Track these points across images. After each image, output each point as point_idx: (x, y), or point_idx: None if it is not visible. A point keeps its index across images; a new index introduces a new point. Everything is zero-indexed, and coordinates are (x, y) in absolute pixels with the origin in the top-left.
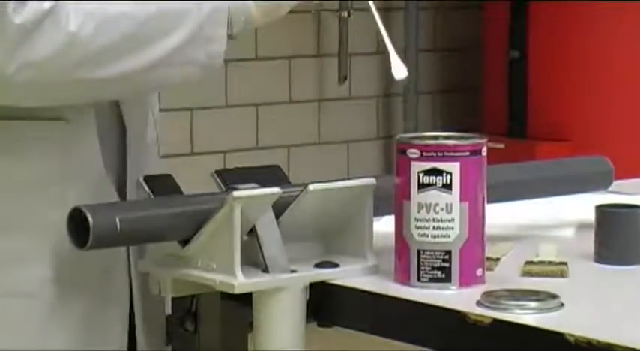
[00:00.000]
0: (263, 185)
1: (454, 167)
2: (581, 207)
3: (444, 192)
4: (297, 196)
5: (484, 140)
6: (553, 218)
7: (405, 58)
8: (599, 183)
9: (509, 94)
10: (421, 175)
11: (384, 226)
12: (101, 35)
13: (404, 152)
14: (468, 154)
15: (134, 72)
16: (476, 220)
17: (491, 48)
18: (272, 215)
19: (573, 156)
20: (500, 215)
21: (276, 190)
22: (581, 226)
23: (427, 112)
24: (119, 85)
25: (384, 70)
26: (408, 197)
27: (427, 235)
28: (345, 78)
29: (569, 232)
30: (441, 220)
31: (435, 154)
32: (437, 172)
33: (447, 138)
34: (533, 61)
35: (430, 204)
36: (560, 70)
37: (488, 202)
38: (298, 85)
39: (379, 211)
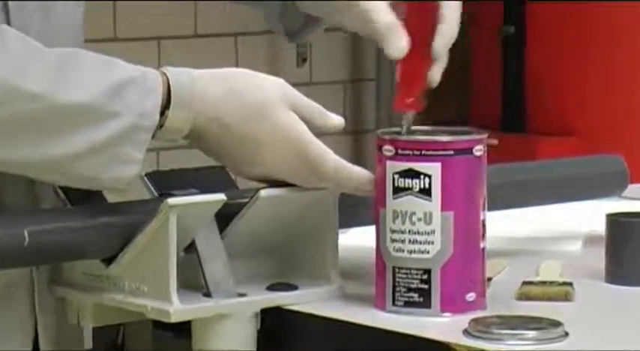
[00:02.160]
0: (204, 191)
1: (434, 168)
2: (590, 216)
3: (422, 198)
4: (246, 203)
5: (479, 136)
6: (556, 230)
7: None
8: (612, 187)
9: (504, 79)
10: (396, 177)
11: (352, 239)
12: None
13: (380, 149)
14: (451, 152)
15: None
16: (464, 234)
17: (481, 22)
18: (215, 227)
19: (581, 154)
20: (492, 226)
21: (220, 196)
22: (589, 240)
23: None
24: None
25: (352, 49)
26: (384, 204)
27: (403, 250)
28: (305, 60)
29: (575, 247)
30: (418, 232)
31: (410, 153)
32: (413, 174)
33: (431, 132)
34: (532, 38)
35: (406, 212)
36: (566, 50)
37: None
38: (247, 67)
39: (346, 222)
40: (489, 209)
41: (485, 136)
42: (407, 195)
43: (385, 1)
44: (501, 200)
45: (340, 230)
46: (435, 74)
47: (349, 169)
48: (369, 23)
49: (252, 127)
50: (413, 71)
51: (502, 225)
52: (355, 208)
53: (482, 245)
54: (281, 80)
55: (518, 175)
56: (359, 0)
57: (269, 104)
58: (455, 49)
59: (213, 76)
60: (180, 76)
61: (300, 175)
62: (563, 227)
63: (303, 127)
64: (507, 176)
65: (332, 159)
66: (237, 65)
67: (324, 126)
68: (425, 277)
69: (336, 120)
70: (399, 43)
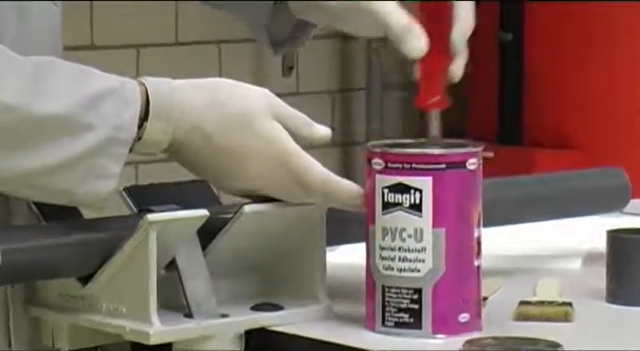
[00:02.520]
0: (186, 206)
1: (424, 183)
2: (591, 232)
3: (412, 214)
4: (230, 219)
5: (472, 149)
6: (554, 247)
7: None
8: (613, 202)
9: (500, 88)
10: (385, 191)
11: (340, 257)
12: None
13: (370, 162)
14: (443, 166)
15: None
16: (457, 251)
17: (477, 28)
18: (197, 244)
19: (580, 167)
20: (486, 243)
21: (202, 212)
22: (589, 257)
23: (395, 111)
24: None
25: (341, 58)
26: (373, 219)
27: (392, 269)
28: (292, 68)
29: (574, 265)
30: (409, 250)
31: (400, 166)
32: (403, 189)
33: (423, 145)
34: (530, 46)
35: (396, 229)
36: (565, 57)
37: None
38: (230, 77)
39: (334, 239)
40: (485, 225)
41: (479, 148)
42: (397, 210)
43: (396, 0)
44: (497, 216)
45: (328, 248)
46: (457, 69)
47: (337, 182)
48: (383, 26)
49: (235, 139)
50: (433, 68)
51: (498, 242)
52: (344, 225)
53: (476, 263)
54: (265, 90)
55: (515, 189)
56: (369, 0)
57: (253, 114)
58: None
59: (193, 86)
60: (160, 86)
61: (286, 189)
62: (562, 244)
63: (288, 138)
64: (503, 191)
65: (319, 171)
66: (220, 74)
67: (310, 137)
68: (415, 296)
69: (323, 131)
70: (417, 43)
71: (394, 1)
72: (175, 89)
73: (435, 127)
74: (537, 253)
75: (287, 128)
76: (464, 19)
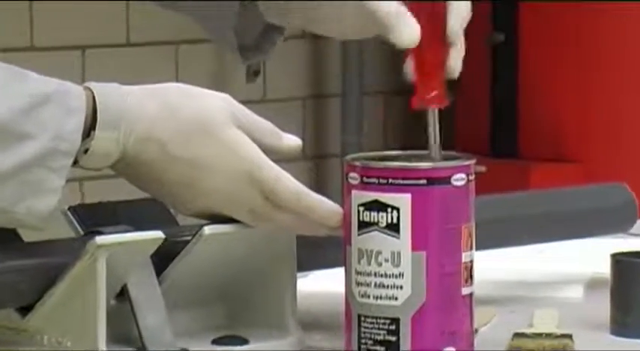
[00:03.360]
0: (138, 227)
1: (402, 200)
2: (593, 256)
3: (389, 235)
4: (188, 242)
5: (459, 163)
6: (553, 272)
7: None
8: (618, 221)
9: (492, 95)
10: (361, 209)
11: (314, 284)
12: None
13: (347, 177)
14: (424, 182)
15: None
16: (440, 278)
17: (468, 29)
18: (151, 270)
19: (581, 183)
20: (478, 268)
21: (157, 234)
22: (591, 283)
23: (375, 120)
24: None
25: (313, 60)
26: (349, 240)
27: (369, 296)
28: (257, 73)
29: (575, 292)
30: (385, 275)
31: (376, 181)
32: (379, 207)
33: (404, 158)
34: (525, 48)
35: (371, 251)
36: (565, 61)
37: None
38: (188, 82)
39: (307, 263)
40: (476, 248)
41: (468, 162)
42: (372, 231)
43: None
44: (489, 238)
45: (300, 273)
46: (455, 61)
47: (312, 198)
48: (369, 14)
49: (193, 149)
50: (429, 60)
51: (490, 267)
52: (318, 247)
53: (465, 291)
54: (225, 95)
55: (509, 207)
56: None
57: (212, 122)
58: None
59: (146, 92)
60: (108, 91)
61: (251, 206)
62: (561, 269)
63: (254, 148)
64: (496, 209)
65: (291, 184)
66: (177, 79)
67: (278, 148)
68: (392, 327)
69: (293, 142)
70: (409, 30)
71: None
72: (126, 95)
73: (434, 132)
74: (534, 280)
75: (251, 138)
76: (460, 7)
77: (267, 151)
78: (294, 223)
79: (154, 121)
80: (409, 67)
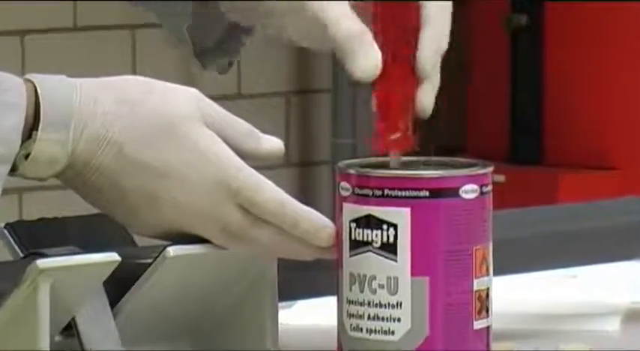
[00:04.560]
0: (89, 248)
1: (400, 215)
2: (631, 282)
3: (385, 256)
4: (149, 266)
5: (471, 171)
6: (583, 301)
7: None
8: None
9: (512, 89)
10: (353, 226)
11: (298, 316)
12: None
13: (338, 188)
14: (426, 194)
15: None
16: (447, 308)
17: (482, 10)
18: (105, 300)
19: (618, 194)
20: (494, 298)
21: (111, 256)
22: (629, 315)
23: (371, 120)
24: None
25: (298, 49)
26: (341, 263)
27: (361, 329)
28: (231, 64)
29: (609, 325)
30: (380, 305)
31: (370, 193)
32: (374, 223)
33: (405, 165)
34: (552, 33)
35: (364, 276)
36: (602, 50)
37: None
38: (148, 74)
39: (291, 291)
40: (495, 273)
41: (481, 170)
42: (365, 252)
43: (347, 0)
44: (509, 261)
45: (282, 303)
46: (425, 98)
47: (300, 210)
48: (328, 35)
49: (156, 152)
50: (394, 96)
51: (510, 295)
52: (304, 271)
53: (478, 325)
54: (193, 90)
55: (533, 224)
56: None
57: (178, 120)
58: (447, 50)
59: (99, 85)
60: (53, 85)
61: (226, 222)
62: (593, 298)
63: (227, 152)
64: (517, 226)
65: (275, 194)
66: (134, 70)
67: (254, 152)
68: None
69: (273, 144)
70: (366, 62)
71: (346, 4)
72: (75, 89)
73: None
74: (562, 310)
75: (224, 140)
76: (434, 26)
77: (243, 155)
78: (276, 242)
79: (109, 119)
80: (374, 102)
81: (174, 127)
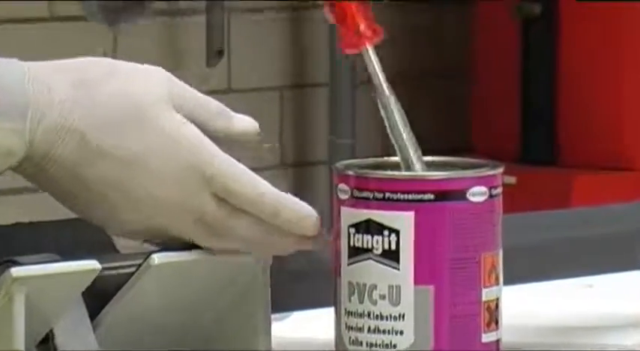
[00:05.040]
0: (67, 255)
1: (403, 220)
2: None
3: (387, 264)
4: (133, 274)
5: (479, 172)
6: (600, 313)
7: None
8: None
9: (523, 83)
10: (352, 231)
11: (293, 328)
12: None
13: (336, 190)
14: (431, 197)
15: None
16: (453, 320)
17: None
18: (84, 311)
19: (638, 198)
20: (508, 307)
21: (91, 264)
22: None
23: (371, 117)
24: None
25: (293, 39)
26: (339, 271)
27: (361, 343)
28: (221, 53)
29: (628, 339)
30: (381, 316)
31: (370, 196)
32: (374, 228)
33: (412, 165)
34: (567, 22)
35: (364, 286)
36: (622, 39)
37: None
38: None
39: (286, 301)
40: (505, 282)
41: (491, 171)
42: (365, 259)
43: None
44: (519, 269)
45: (275, 315)
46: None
47: (280, 197)
48: None
49: (119, 138)
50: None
51: (521, 306)
52: (300, 279)
53: (486, 338)
54: (159, 68)
55: (546, 229)
56: None
57: (145, 103)
58: (447, 42)
59: (57, 68)
60: (5, 68)
61: (201, 214)
62: (611, 309)
63: (200, 136)
64: (529, 231)
65: (252, 180)
66: (115, 56)
67: (225, 131)
68: None
69: (245, 122)
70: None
71: None
72: (30, 73)
73: (379, 83)
74: (577, 322)
75: (194, 120)
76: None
77: (215, 136)
78: (255, 234)
79: (67, 107)
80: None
81: (139, 111)
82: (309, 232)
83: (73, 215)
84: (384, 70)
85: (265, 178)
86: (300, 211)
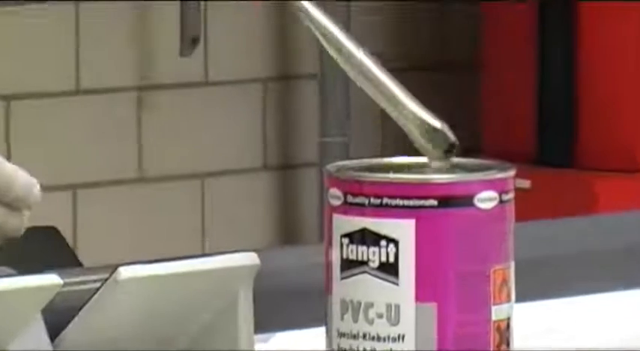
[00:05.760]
0: (25, 269)
1: (403, 229)
2: None
3: (384, 279)
4: (98, 289)
5: (489, 175)
6: (624, 333)
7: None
8: None
9: (538, 76)
10: (345, 241)
11: (278, 350)
12: None
13: (327, 195)
14: (434, 203)
15: None
16: (459, 341)
17: None
18: (43, 330)
19: None
20: (520, 326)
21: (52, 278)
22: None
23: (368, 114)
24: None
25: (277, 26)
26: (330, 287)
27: None
28: (197, 41)
29: None
30: (379, 338)
31: (365, 202)
32: (371, 238)
33: (405, 167)
34: (587, 14)
35: (359, 303)
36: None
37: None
38: (90, 56)
39: (269, 320)
40: (517, 299)
41: (502, 174)
42: (360, 273)
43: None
44: (534, 284)
45: (259, 335)
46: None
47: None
48: None
49: None
50: None
51: (535, 325)
52: (285, 297)
53: None
54: None
55: (565, 239)
56: None
57: None
58: (455, 34)
59: None
60: None
61: None
62: (637, 329)
63: None
64: (545, 242)
65: None
66: (77, 50)
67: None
68: None
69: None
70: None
71: None
72: None
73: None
74: (604, 346)
75: None
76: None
77: None
78: None
79: None
80: None
81: None
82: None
83: (31, 224)
84: (385, 64)
85: (248, 183)
86: (23, 179)
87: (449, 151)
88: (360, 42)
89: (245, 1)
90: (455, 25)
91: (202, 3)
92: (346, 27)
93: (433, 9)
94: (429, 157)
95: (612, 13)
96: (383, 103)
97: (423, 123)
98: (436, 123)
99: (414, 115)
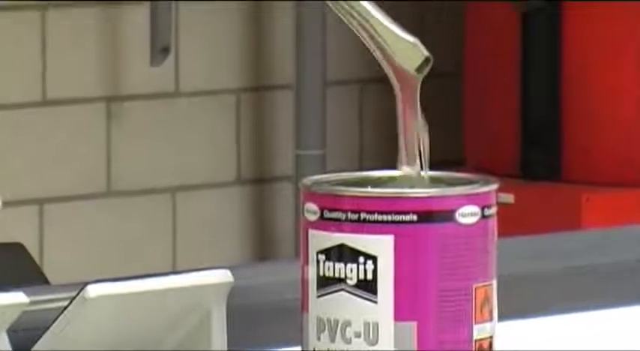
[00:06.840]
0: None
1: (381, 245)
2: None
3: (362, 297)
4: (66, 308)
5: (470, 189)
6: None
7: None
8: None
9: (523, 87)
10: (321, 258)
11: None
12: None
13: (303, 210)
14: (413, 217)
15: None
16: None
17: None
18: (9, 349)
19: None
20: (500, 346)
21: (17, 297)
22: None
23: (346, 125)
24: None
25: (252, 33)
26: (306, 305)
27: None
28: (167, 50)
29: None
30: None
31: (343, 217)
32: (348, 255)
33: (383, 181)
34: (573, 17)
35: (336, 322)
36: (632, 35)
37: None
38: (57, 65)
39: (243, 339)
40: (500, 317)
41: (484, 188)
42: (337, 291)
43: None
44: (518, 302)
45: None
46: None
47: None
48: None
49: None
50: None
51: (519, 345)
52: (259, 316)
53: None
54: None
55: (550, 255)
56: None
57: None
58: (441, 41)
59: None
60: None
61: None
62: (624, 348)
63: None
64: (530, 258)
65: None
66: (44, 57)
67: None
68: None
69: None
70: None
71: None
72: None
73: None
74: None
75: None
76: None
77: None
78: None
79: None
80: None
81: None
82: None
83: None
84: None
85: (222, 197)
86: None
87: (423, 65)
88: (340, 48)
89: (217, 9)
90: (437, 35)
91: (174, 11)
92: (325, 33)
93: (416, 13)
94: (403, 76)
95: (597, 25)
96: (355, 24)
97: (397, 38)
98: (409, 37)
99: (387, 30)
